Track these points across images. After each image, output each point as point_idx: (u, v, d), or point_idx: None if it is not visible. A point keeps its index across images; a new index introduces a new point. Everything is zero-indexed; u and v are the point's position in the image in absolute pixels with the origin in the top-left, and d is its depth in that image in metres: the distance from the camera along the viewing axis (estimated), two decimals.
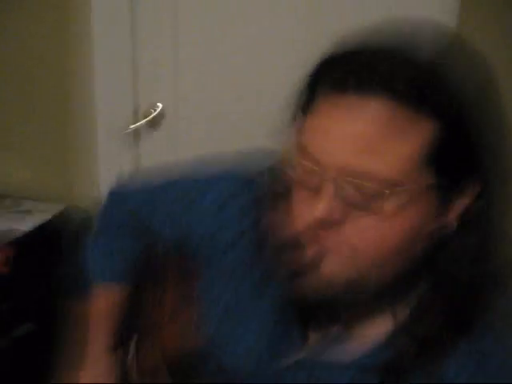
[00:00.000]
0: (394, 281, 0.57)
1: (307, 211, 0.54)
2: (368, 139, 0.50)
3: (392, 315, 0.60)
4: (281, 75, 1.26)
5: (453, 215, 0.55)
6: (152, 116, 1.55)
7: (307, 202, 0.54)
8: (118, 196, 0.88)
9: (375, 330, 0.61)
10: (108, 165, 1.61)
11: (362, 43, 0.54)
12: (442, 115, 0.50)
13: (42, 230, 1.48)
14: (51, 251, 1.46)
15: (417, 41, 0.53)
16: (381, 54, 0.52)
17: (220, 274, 0.71)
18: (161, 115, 1.57)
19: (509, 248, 0.58)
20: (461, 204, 0.55)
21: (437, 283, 0.59)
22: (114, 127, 1.58)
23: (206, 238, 0.73)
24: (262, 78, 1.51)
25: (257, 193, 0.67)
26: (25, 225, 1.47)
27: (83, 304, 0.86)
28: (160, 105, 1.55)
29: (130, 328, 0.89)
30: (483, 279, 0.57)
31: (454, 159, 0.52)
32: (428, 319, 0.58)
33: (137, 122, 1.57)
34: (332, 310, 0.59)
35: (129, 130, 1.56)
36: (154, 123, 1.59)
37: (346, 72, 0.52)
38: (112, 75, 1.54)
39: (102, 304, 0.86)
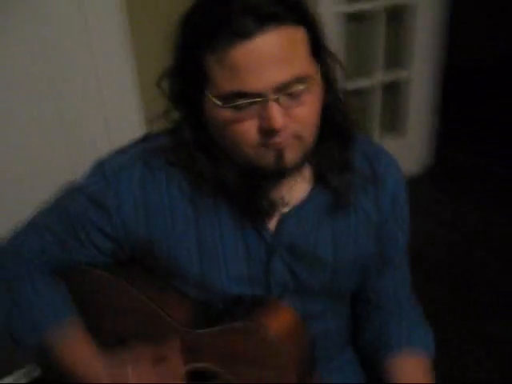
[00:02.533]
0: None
1: (257, 132, 0.73)
2: (282, 59, 0.70)
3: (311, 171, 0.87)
4: None
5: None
6: None
7: (255, 126, 0.73)
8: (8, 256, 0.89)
9: (302, 191, 0.87)
10: None
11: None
12: (306, 24, 0.74)
13: None
14: None
15: None
16: None
17: (180, 240, 0.86)
18: None
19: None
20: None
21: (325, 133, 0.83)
22: None
23: (152, 235, 0.86)
24: None
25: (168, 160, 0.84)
26: None
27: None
28: None
29: None
30: (345, 121, 0.85)
31: (318, 51, 0.77)
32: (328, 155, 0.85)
33: None
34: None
35: None
36: None
37: (239, 20, 0.68)
38: None
39: (72, 339, 0.86)
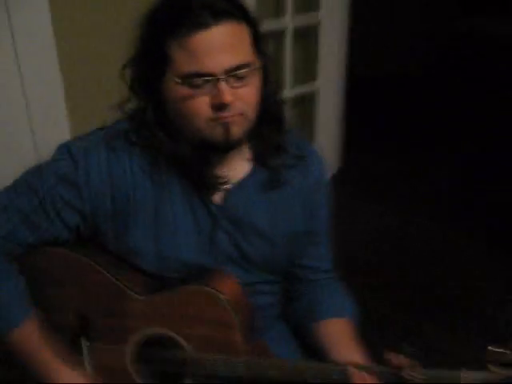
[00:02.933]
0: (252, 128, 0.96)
1: (209, 107, 0.88)
2: (230, 47, 0.87)
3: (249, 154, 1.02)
4: None
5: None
6: None
7: (207, 103, 0.88)
8: None
9: (243, 170, 1.01)
10: None
11: None
12: (248, 21, 0.90)
13: None
14: None
15: None
16: None
17: (139, 213, 0.97)
18: None
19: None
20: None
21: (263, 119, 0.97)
22: None
23: (116, 209, 0.96)
24: None
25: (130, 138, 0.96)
26: None
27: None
28: None
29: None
30: (280, 111, 1.02)
31: (257, 45, 0.93)
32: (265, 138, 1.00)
33: None
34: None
35: None
36: None
37: (198, 14, 0.85)
38: None
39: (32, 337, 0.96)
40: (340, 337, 1.06)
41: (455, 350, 1.91)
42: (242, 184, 1.01)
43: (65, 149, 0.96)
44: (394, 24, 4.35)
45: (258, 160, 1.01)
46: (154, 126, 0.93)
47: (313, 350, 1.09)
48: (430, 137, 3.67)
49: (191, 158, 0.94)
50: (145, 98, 0.93)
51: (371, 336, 1.09)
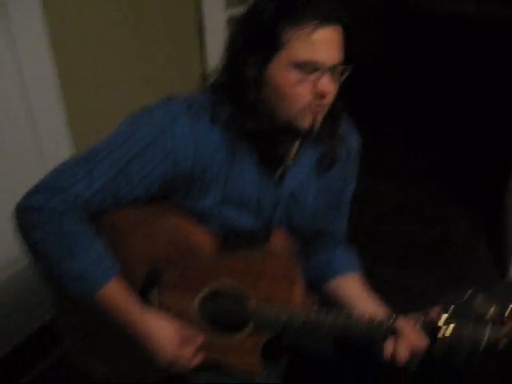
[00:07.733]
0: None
1: (310, 94, 0.95)
2: (338, 46, 0.96)
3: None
4: None
5: None
6: None
7: (310, 90, 0.95)
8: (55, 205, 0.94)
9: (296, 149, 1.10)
10: None
11: None
12: (347, 28, 0.97)
13: None
14: None
15: None
16: None
17: (212, 182, 1.02)
18: None
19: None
20: None
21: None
22: None
23: (193, 174, 1.00)
24: None
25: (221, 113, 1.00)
26: None
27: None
28: None
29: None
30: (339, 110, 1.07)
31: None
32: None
33: None
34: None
35: None
36: None
37: (319, 9, 0.92)
38: None
39: (119, 295, 0.99)
40: (359, 292, 1.18)
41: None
42: (297, 161, 1.10)
43: (146, 117, 0.99)
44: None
45: (313, 142, 1.09)
46: (250, 103, 0.98)
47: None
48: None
49: (270, 137, 1.01)
50: (243, 79, 0.97)
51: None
